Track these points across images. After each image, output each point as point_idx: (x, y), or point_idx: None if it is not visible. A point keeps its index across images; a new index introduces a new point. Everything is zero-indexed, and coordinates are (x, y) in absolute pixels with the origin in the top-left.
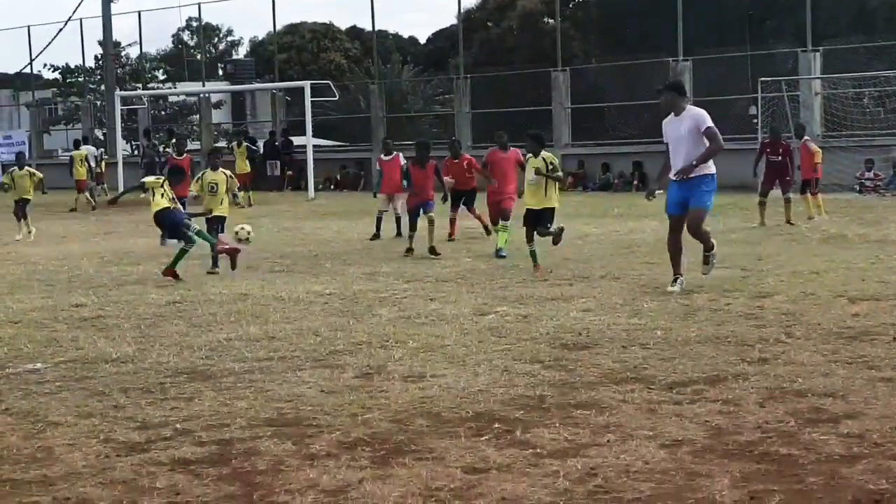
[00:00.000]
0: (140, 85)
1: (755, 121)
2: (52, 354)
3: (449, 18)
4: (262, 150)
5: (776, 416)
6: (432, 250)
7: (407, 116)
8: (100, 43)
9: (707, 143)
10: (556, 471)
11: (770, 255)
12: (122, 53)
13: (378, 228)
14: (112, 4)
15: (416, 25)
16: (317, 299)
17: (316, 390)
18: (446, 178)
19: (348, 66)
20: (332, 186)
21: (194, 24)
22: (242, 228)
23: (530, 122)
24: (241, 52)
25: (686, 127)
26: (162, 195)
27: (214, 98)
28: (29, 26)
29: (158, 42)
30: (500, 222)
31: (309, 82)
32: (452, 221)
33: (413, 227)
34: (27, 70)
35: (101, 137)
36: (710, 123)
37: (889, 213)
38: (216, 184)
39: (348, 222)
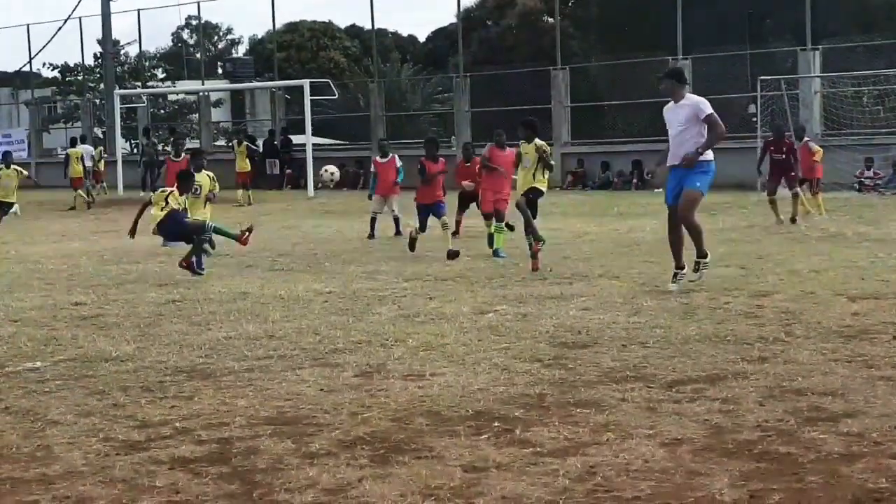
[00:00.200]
0: (139, 83)
1: (754, 119)
2: (51, 353)
3: (448, 17)
4: (261, 149)
5: (776, 414)
6: (451, 254)
7: (406, 115)
8: (99, 41)
9: (706, 131)
10: (555, 469)
11: (769, 253)
12: (122, 52)
13: (372, 229)
14: (111, 3)
15: (415, 24)
16: (316, 298)
17: (315, 389)
18: (465, 183)
19: (347, 64)
20: (331, 185)
21: (194, 22)
22: (326, 171)
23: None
24: (241, 51)
25: (685, 115)
26: (161, 208)
27: (214, 97)
28: (28, 25)
29: (158, 40)
30: (495, 224)
31: (308, 81)
32: (458, 223)
33: (423, 228)
34: (26, 68)
35: (101, 136)
36: (709, 111)
37: (889, 211)
38: (200, 186)
39: (347, 221)
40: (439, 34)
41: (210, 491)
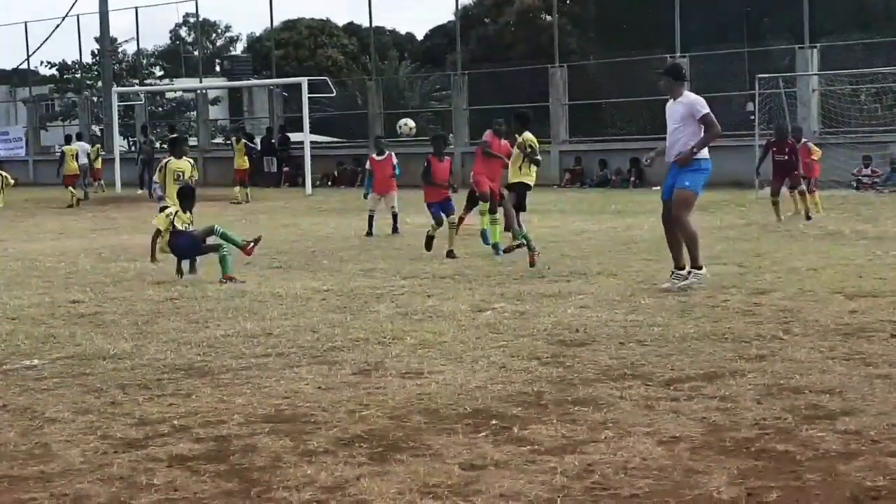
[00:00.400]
0: (137, 81)
1: (752, 117)
2: (49, 351)
3: (446, 14)
4: (259, 147)
5: (773, 412)
6: (450, 254)
7: (404, 113)
8: (97, 39)
9: (702, 130)
10: (553, 467)
11: (767, 251)
12: (119, 49)
13: (370, 227)
14: (109, 0)
15: (413, 22)
16: (314, 295)
17: (313, 387)
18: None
19: (345, 62)
20: (329, 183)
21: (192, 20)
22: (406, 124)
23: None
24: (239, 49)
25: (680, 113)
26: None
27: (211, 94)
28: (26, 22)
29: (156, 38)
30: (490, 216)
31: (306, 79)
32: (461, 220)
33: (440, 223)
34: (24, 66)
35: (98, 133)
36: (705, 110)
37: (886, 209)
38: (182, 172)
39: (345, 219)
40: (437, 32)
41: (208, 489)
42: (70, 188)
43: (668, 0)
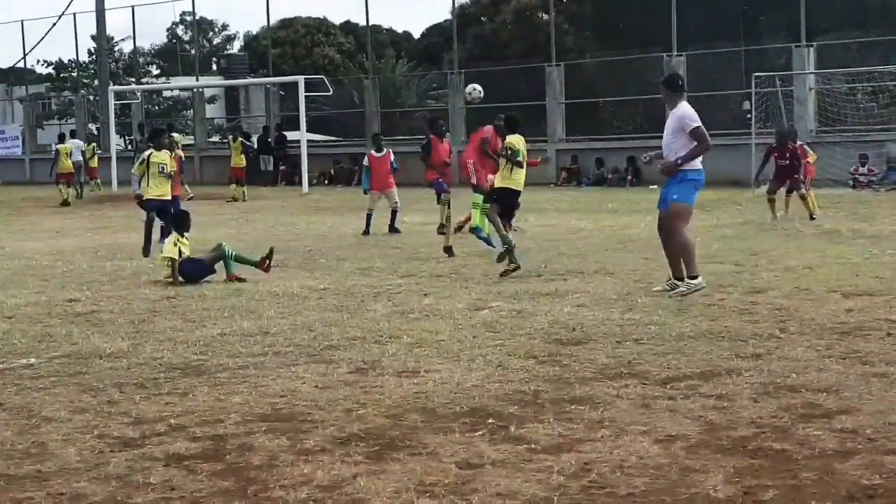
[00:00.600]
0: (134, 80)
1: (749, 116)
2: (45, 349)
3: (443, 13)
4: (256, 145)
5: (770, 411)
6: (448, 250)
7: (401, 111)
8: (93, 37)
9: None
10: (550, 466)
11: (764, 250)
12: (116, 48)
13: (368, 225)
14: None
15: (410, 20)
16: (311, 294)
17: (310, 385)
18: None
19: (342, 60)
20: (326, 181)
21: (188, 18)
22: (475, 89)
23: (524, 116)
24: (236, 47)
25: (672, 125)
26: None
27: (208, 93)
28: (22, 21)
29: (152, 37)
30: (482, 205)
31: (303, 77)
32: (468, 219)
33: (443, 201)
34: (21, 65)
35: (95, 132)
36: (695, 124)
37: (883, 208)
38: (165, 164)
39: (342, 217)
40: (434, 30)
41: (204, 488)
42: (60, 186)
43: None
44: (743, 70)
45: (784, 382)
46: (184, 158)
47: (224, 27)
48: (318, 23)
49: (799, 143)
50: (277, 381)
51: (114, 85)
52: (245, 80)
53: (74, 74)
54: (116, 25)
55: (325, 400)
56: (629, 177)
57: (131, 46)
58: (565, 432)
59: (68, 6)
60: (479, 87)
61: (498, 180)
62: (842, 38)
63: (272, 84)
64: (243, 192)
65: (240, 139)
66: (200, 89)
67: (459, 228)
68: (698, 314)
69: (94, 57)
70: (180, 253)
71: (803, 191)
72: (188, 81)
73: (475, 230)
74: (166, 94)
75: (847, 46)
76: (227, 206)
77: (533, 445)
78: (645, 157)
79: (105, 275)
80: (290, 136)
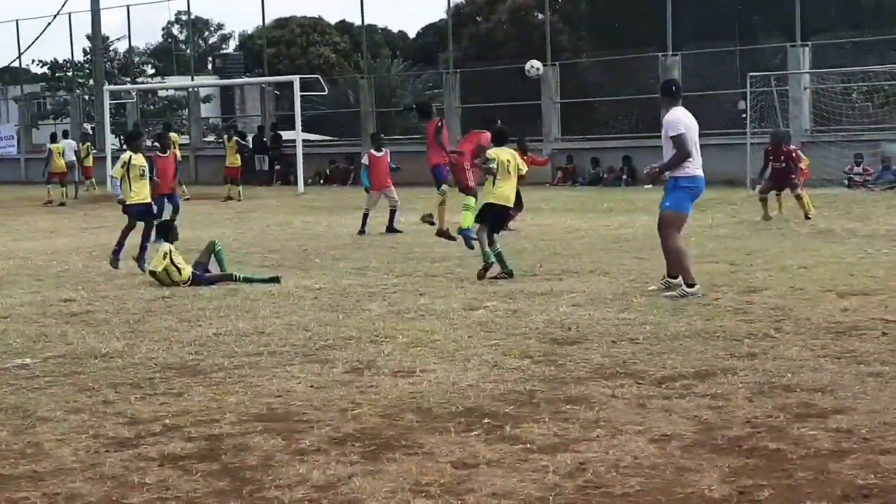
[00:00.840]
0: (129, 79)
1: (744, 116)
2: (41, 350)
3: (438, 13)
4: (251, 145)
5: (765, 410)
6: (426, 219)
7: (396, 111)
8: (88, 37)
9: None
10: (545, 466)
11: (758, 249)
12: (111, 48)
13: (364, 225)
14: None
15: (405, 20)
16: (306, 294)
17: (305, 385)
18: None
19: (337, 60)
20: (321, 181)
21: (183, 18)
22: (533, 66)
23: (520, 116)
24: (231, 47)
25: (663, 131)
26: (179, 269)
27: (203, 92)
28: (17, 20)
29: (148, 36)
30: (465, 201)
31: (298, 77)
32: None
33: (442, 192)
34: (15, 64)
35: (90, 132)
36: (674, 132)
37: (878, 207)
38: (145, 168)
39: (338, 217)
40: (429, 30)
41: (200, 488)
42: (49, 187)
43: None
44: (738, 70)
45: (779, 382)
46: (180, 158)
47: (219, 27)
48: (314, 22)
49: (793, 147)
50: (273, 380)
51: (109, 84)
52: (240, 80)
53: (69, 74)
54: (112, 25)
55: (320, 400)
56: (624, 176)
57: (126, 46)
58: (561, 432)
59: (63, 6)
60: (538, 65)
61: (482, 195)
62: (837, 38)
63: (267, 83)
64: (238, 192)
65: (235, 138)
66: (196, 89)
67: (430, 222)
68: (693, 314)
69: (89, 56)
70: (173, 262)
71: (798, 191)
72: (183, 81)
73: (464, 231)
74: (161, 93)
75: (842, 46)
76: (222, 205)
77: (528, 445)
78: (646, 170)
79: (100, 274)
80: (286, 135)
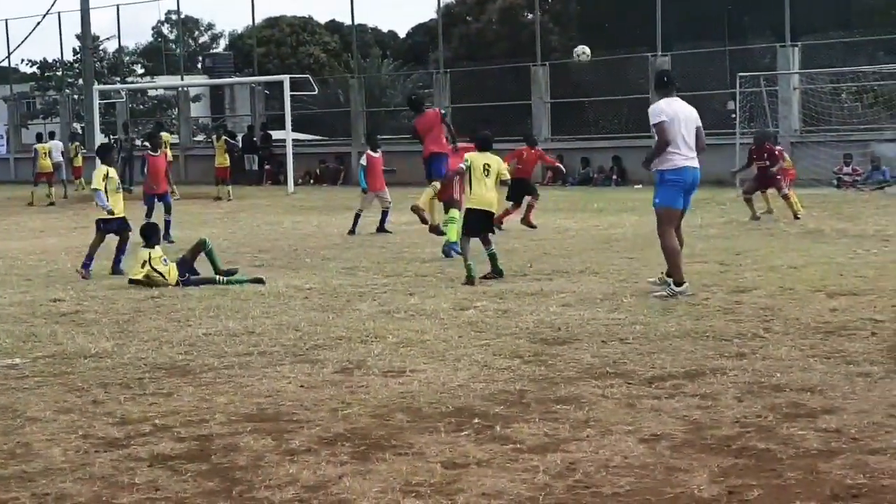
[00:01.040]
0: (118, 79)
1: (733, 116)
2: (30, 349)
3: (429, 12)
4: (240, 145)
5: (754, 410)
6: (424, 219)
7: (386, 111)
8: (78, 37)
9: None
10: (535, 466)
11: (748, 249)
12: (101, 47)
13: (355, 225)
14: None
15: (395, 19)
16: (296, 294)
17: (296, 385)
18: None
19: (327, 60)
20: (311, 181)
21: (173, 17)
22: (584, 52)
23: (510, 116)
24: (221, 46)
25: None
26: (165, 273)
27: (193, 92)
28: (6, 20)
29: (137, 36)
30: (450, 214)
31: (288, 76)
32: (508, 213)
33: (433, 187)
34: (5, 64)
35: (80, 131)
36: (656, 119)
37: (867, 208)
38: (118, 182)
39: (328, 217)
40: (419, 30)
41: (189, 488)
42: (35, 188)
43: None
44: (727, 70)
45: (768, 382)
46: (171, 158)
47: (209, 26)
48: (304, 22)
49: (778, 147)
50: (263, 381)
51: (98, 84)
52: (230, 80)
53: (59, 73)
54: (101, 24)
55: (310, 400)
56: (614, 176)
57: (116, 45)
58: (551, 432)
59: (53, 5)
60: (587, 51)
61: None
62: (826, 39)
63: (257, 83)
64: (228, 192)
65: (224, 138)
66: (185, 88)
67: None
68: (683, 314)
69: (78, 56)
70: (154, 269)
71: (785, 191)
72: (173, 80)
73: (451, 245)
74: (151, 93)
75: (831, 46)
76: (212, 205)
77: (518, 445)
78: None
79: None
80: (276, 135)
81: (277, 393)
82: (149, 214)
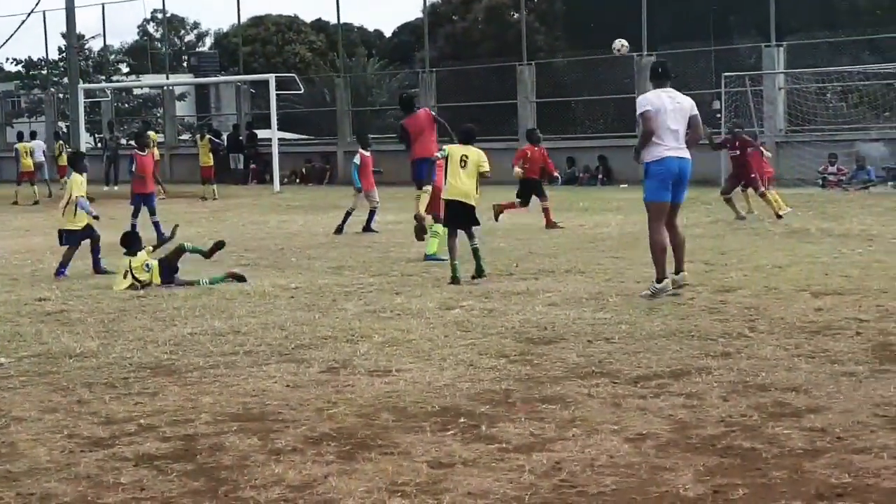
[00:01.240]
0: (104, 77)
1: (718, 116)
2: (15, 349)
3: (415, 12)
4: (225, 144)
5: (739, 410)
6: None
7: (372, 110)
8: (63, 35)
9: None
10: (521, 465)
11: (733, 249)
12: (86, 46)
13: (343, 224)
14: None
15: (381, 18)
16: (282, 293)
17: (281, 385)
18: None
19: (313, 59)
20: (297, 180)
21: (159, 16)
22: (624, 46)
23: (496, 116)
24: (206, 45)
25: None
26: (146, 280)
27: (178, 90)
28: None
29: (123, 35)
30: (433, 228)
31: (274, 75)
32: (511, 205)
33: (424, 192)
34: None
35: (65, 130)
36: (640, 110)
37: (852, 207)
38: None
39: (314, 216)
40: (405, 29)
41: (175, 488)
42: (20, 185)
43: None
44: (713, 70)
45: (753, 381)
46: (158, 157)
47: (195, 25)
48: (289, 21)
49: (762, 142)
50: (248, 380)
51: (84, 83)
52: (215, 78)
53: (44, 72)
54: (87, 23)
55: (296, 399)
56: (600, 176)
57: (101, 44)
58: (536, 431)
59: (38, 3)
60: (626, 43)
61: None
62: (811, 38)
63: (243, 82)
64: (213, 191)
65: (208, 137)
66: (170, 87)
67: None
68: (668, 313)
69: (63, 54)
70: (135, 278)
71: (762, 189)
72: (158, 79)
73: (430, 257)
74: (136, 91)
75: (816, 46)
76: (197, 204)
77: (504, 445)
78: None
79: (74, 274)
80: (261, 134)
81: (263, 392)
82: (135, 214)
